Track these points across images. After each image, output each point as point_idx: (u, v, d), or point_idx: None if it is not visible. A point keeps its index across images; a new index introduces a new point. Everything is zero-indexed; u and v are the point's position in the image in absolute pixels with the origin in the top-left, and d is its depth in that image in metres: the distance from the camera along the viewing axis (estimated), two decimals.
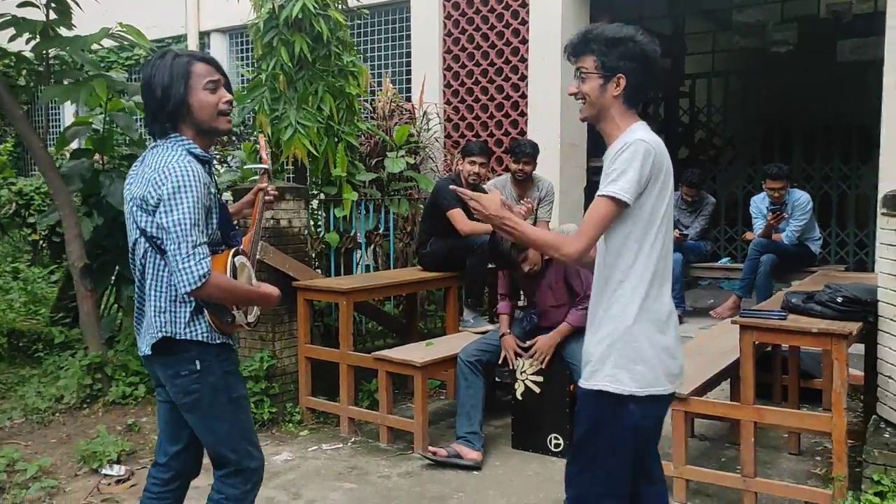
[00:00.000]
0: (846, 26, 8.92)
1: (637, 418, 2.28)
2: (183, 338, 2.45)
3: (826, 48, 8.96)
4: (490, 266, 5.14)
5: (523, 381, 4.34)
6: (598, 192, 2.21)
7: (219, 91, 2.48)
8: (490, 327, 5.01)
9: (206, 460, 2.71)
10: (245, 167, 4.80)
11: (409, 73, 7.86)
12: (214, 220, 2.48)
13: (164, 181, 2.33)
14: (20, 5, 4.91)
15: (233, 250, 2.50)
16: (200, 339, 2.46)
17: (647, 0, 8.95)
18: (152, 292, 2.46)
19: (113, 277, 5.62)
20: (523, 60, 7.23)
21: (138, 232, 2.44)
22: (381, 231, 5.96)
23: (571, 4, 7.08)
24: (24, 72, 5.77)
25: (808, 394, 4.70)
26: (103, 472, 4.03)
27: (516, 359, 4.32)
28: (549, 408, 4.26)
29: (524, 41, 7.21)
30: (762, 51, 9.49)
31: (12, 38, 4.86)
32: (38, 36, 4.84)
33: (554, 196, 6.04)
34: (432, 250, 5.34)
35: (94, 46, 5.73)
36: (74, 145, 6.18)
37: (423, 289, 5.65)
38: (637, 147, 2.18)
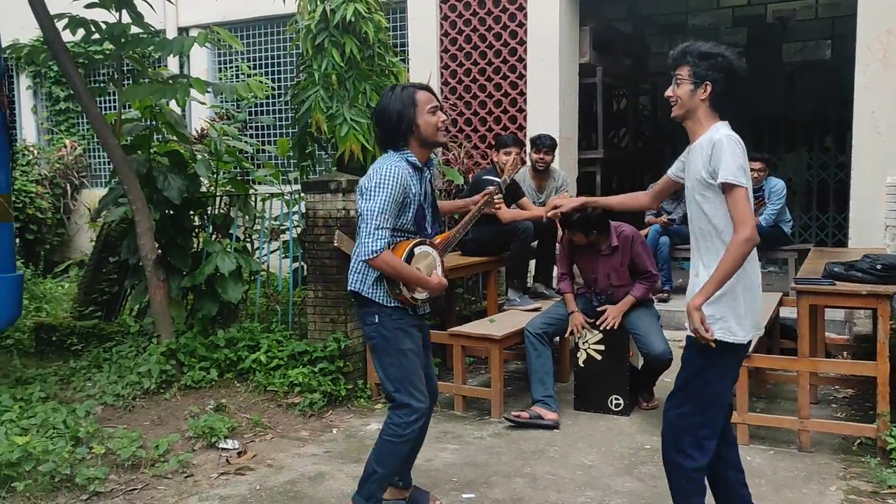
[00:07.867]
0: (791, 30, 9.93)
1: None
2: (366, 296, 3.18)
3: (773, 49, 9.93)
4: (532, 247, 5.72)
5: (585, 350, 4.88)
6: (729, 181, 2.68)
7: (437, 113, 3.14)
8: (536, 304, 5.53)
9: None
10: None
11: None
12: (410, 214, 3.13)
13: (372, 177, 3.06)
14: (87, 6, 5.05)
15: (416, 240, 3.15)
16: (378, 300, 3.16)
17: (613, 4, 9.67)
18: (353, 256, 3.17)
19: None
20: (521, 60, 7.77)
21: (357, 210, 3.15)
22: None
23: (566, 10, 7.67)
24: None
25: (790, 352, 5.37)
26: (220, 446, 4.33)
27: (581, 331, 4.86)
28: (610, 373, 4.82)
29: (521, 42, 7.75)
30: None
31: (84, 39, 4.99)
32: (115, 38, 4.99)
33: (569, 185, 6.60)
34: (474, 237, 5.80)
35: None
36: None
37: (479, 270, 6.16)
38: (729, 140, 2.72)
